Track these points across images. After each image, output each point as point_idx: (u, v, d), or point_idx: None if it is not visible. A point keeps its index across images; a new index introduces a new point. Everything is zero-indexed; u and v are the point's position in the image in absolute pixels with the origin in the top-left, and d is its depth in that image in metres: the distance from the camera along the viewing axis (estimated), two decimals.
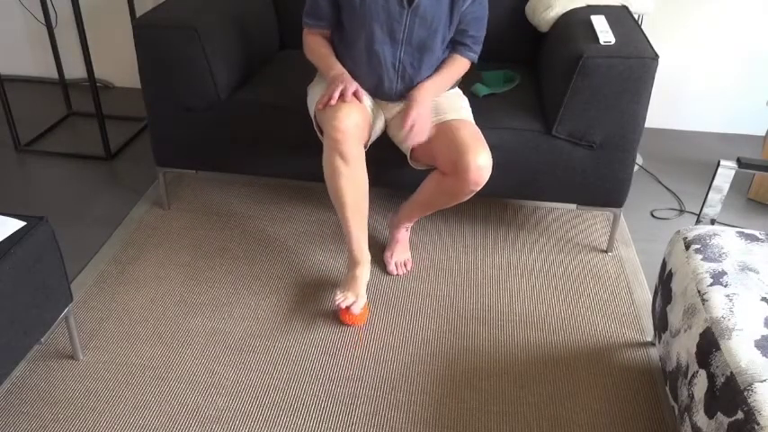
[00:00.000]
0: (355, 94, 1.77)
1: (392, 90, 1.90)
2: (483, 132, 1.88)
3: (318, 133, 1.94)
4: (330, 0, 1.84)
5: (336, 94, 1.74)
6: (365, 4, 1.77)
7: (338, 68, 1.84)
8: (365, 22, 1.80)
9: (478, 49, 1.94)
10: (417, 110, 1.78)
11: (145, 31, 2.01)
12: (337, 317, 1.87)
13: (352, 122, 1.72)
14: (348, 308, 1.81)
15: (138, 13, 2.99)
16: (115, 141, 2.79)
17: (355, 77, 1.84)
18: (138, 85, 3.19)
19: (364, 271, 1.86)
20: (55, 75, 3.32)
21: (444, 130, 1.82)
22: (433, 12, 1.79)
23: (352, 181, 1.76)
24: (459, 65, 1.94)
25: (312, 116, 1.93)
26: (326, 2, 1.84)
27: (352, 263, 1.87)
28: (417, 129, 1.79)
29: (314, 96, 1.95)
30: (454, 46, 1.92)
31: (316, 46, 1.92)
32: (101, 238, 2.21)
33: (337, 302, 1.81)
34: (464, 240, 2.23)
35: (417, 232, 2.26)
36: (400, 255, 2.09)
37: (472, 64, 1.96)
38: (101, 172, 2.61)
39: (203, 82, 2.04)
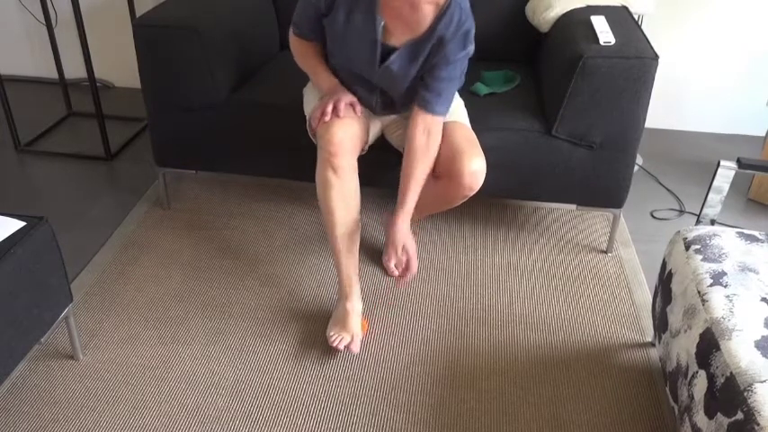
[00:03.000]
0: (352, 105, 1.74)
1: (379, 112, 1.88)
2: (484, 133, 1.88)
3: (313, 138, 1.93)
4: (316, 18, 1.74)
5: (329, 109, 1.70)
6: (345, 40, 1.72)
7: (330, 81, 1.79)
8: (342, 55, 1.76)
9: (448, 105, 1.76)
10: (398, 250, 1.75)
11: (145, 30, 2.01)
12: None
13: (346, 136, 1.70)
14: (348, 347, 1.72)
15: (138, 13, 2.99)
16: (115, 141, 2.80)
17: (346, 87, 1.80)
18: (138, 85, 3.19)
19: (355, 304, 1.78)
20: (55, 75, 3.32)
21: None
22: (402, 75, 1.73)
23: (342, 193, 1.72)
24: (427, 148, 1.75)
25: (307, 120, 1.92)
26: (313, 18, 1.74)
27: (343, 295, 1.79)
28: (407, 266, 1.76)
29: (308, 99, 1.94)
30: (419, 100, 1.74)
31: (304, 51, 1.84)
32: (101, 239, 2.22)
33: (333, 344, 1.72)
34: (464, 240, 2.24)
35: (417, 232, 2.26)
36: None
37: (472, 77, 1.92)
38: (101, 172, 2.61)
39: (203, 82, 2.04)
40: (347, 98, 1.74)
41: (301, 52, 1.86)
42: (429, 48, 1.68)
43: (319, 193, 1.75)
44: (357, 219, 1.77)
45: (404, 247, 1.75)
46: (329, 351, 1.78)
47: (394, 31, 1.67)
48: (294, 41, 1.87)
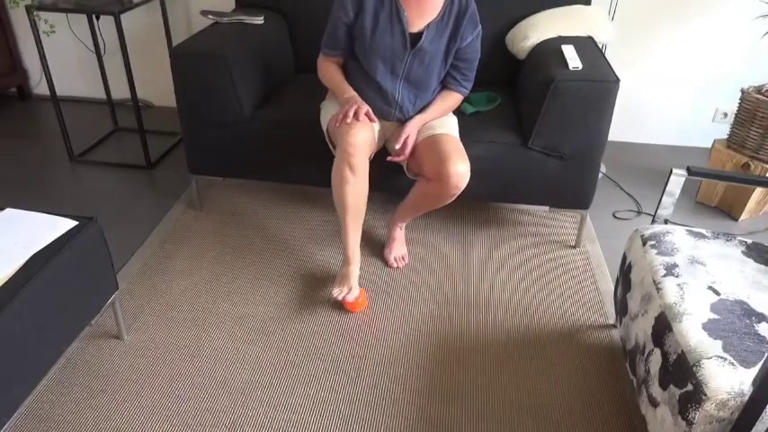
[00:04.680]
0: (367, 115, 1.75)
1: (391, 116, 1.90)
2: (470, 145, 1.88)
3: (330, 146, 1.93)
4: (346, 31, 1.82)
5: (351, 113, 1.72)
6: (374, 39, 1.76)
7: (351, 92, 1.83)
8: (371, 56, 1.79)
9: (469, 85, 1.92)
10: (406, 133, 1.84)
11: (180, 58, 2.01)
12: (343, 306, 1.86)
13: (363, 139, 1.71)
14: (344, 298, 1.80)
15: (175, 43, 2.99)
16: (155, 152, 2.79)
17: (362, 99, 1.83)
18: (175, 105, 3.19)
19: (354, 268, 1.84)
20: (103, 95, 3.32)
21: (431, 143, 1.82)
22: (432, 53, 1.79)
23: (355, 189, 1.75)
24: (450, 99, 1.92)
25: (325, 131, 1.92)
26: (343, 33, 1.82)
27: (346, 261, 1.84)
28: (404, 146, 1.83)
29: (326, 112, 1.95)
30: (447, 80, 1.90)
31: (329, 72, 1.90)
32: (142, 236, 2.21)
33: (334, 295, 1.80)
34: (453, 238, 2.23)
35: (413, 231, 2.26)
36: (398, 250, 2.08)
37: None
38: (142, 179, 2.61)
39: (230, 102, 2.04)
40: (365, 107, 1.76)
41: (327, 71, 1.91)
42: (450, 26, 1.77)
43: (335, 185, 1.76)
44: (364, 208, 1.81)
45: (407, 138, 1.83)
46: (337, 332, 1.78)
47: (415, 18, 1.75)
48: (322, 63, 1.92)
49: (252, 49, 2.13)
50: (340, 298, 1.80)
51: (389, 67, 1.80)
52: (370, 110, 1.78)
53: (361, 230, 1.84)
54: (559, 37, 2.16)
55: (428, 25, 1.76)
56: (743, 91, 2.32)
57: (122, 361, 1.67)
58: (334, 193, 1.78)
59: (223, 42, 2.04)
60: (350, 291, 1.80)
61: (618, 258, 2.15)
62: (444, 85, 1.92)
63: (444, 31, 1.77)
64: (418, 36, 1.76)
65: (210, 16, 2.29)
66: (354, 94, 1.82)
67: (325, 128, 1.92)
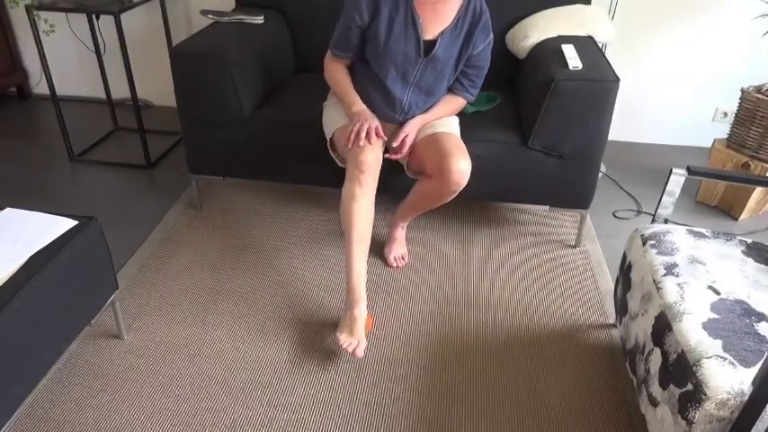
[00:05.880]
0: (377, 133, 1.74)
1: (394, 119, 1.89)
2: (470, 144, 1.88)
3: (331, 152, 1.93)
4: (359, 34, 1.79)
5: (363, 134, 1.71)
6: (388, 45, 1.75)
7: (359, 104, 1.81)
8: (383, 61, 1.78)
9: (475, 92, 1.91)
10: (405, 132, 1.83)
11: (180, 58, 2.01)
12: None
13: (374, 156, 1.71)
14: (354, 350, 1.61)
15: (175, 42, 2.99)
16: (154, 152, 2.79)
17: (367, 103, 1.83)
18: (175, 104, 3.19)
19: (361, 310, 1.67)
20: (103, 95, 3.32)
21: (432, 140, 1.82)
22: (444, 60, 1.78)
23: (363, 206, 1.71)
24: (454, 102, 1.92)
25: (328, 139, 1.91)
26: (356, 36, 1.79)
27: (351, 302, 1.68)
28: (402, 145, 1.82)
29: (329, 114, 1.94)
30: (454, 85, 1.89)
31: (336, 73, 1.88)
32: (142, 235, 2.21)
33: (340, 343, 1.62)
34: (453, 237, 2.23)
35: (413, 230, 2.25)
36: (398, 250, 2.08)
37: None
38: (142, 178, 2.61)
39: (230, 102, 2.04)
40: (374, 123, 1.75)
41: (334, 72, 1.89)
42: (463, 33, 1.76)
43: (344, 204, 1.73)
44: (371, 230, 1.75)
45: (406, 137, 1.82)
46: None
47: (429, 25, 1.74)
48: (329, 63, 1.90)
49: (252, 49, 2.13)
50: (350, 350, 1.61)
51: (401, 73, 1.79)
52: (380, 126, 1.76)
53: (365, 267, 1.72)
54: (559, 36, 2.15)
55: (442, 33, 1.74)
56: (743, 90, 2.32)
57: (122, 360, 1.67)
58: (341, 213, 1.73)
59: (223, 42, 2.04)
60: (358, 343, 1.62)
61: (618, 258, 2.15)
62: (450, 89, 1.91)
63: (458, 38, 1.76)
64: (432, 44, 1.75)
65: (210, 16, 2.29)
66: (363, 107, 1.81)
67: (328, 135, 1.91)
